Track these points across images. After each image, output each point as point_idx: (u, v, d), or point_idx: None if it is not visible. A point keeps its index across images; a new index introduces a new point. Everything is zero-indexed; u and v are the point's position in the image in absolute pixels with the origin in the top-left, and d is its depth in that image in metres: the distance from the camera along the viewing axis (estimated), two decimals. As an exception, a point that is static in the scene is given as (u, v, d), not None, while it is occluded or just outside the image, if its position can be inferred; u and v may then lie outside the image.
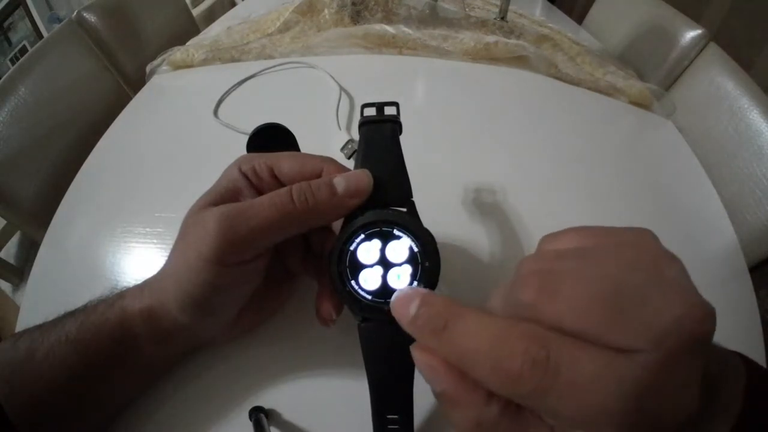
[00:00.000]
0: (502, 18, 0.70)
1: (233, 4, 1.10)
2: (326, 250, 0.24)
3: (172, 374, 0.27)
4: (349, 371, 0.28)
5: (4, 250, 1.07)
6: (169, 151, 0.47)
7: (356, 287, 0.22)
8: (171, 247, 0.24)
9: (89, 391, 0.23)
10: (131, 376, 0.25)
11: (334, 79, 0.54)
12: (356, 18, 0.67)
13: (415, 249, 0.21)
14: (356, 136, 0.40)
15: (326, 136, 0.46)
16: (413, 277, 0.21)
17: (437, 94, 0.57)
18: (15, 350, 0.22)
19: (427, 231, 0.22)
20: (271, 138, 0.32)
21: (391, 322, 0.18)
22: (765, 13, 0.84)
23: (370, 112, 0.25)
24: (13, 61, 1.55)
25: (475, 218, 0.39)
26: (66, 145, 0.59)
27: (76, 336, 0.23)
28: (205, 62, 0.61)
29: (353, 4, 0.67)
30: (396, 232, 0.21)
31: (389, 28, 0.61)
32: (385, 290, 0.21)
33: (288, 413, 0.26)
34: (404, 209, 0.22)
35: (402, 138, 0.25)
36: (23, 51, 1.57)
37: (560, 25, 0.75)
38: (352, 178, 0.22)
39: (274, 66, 0.58)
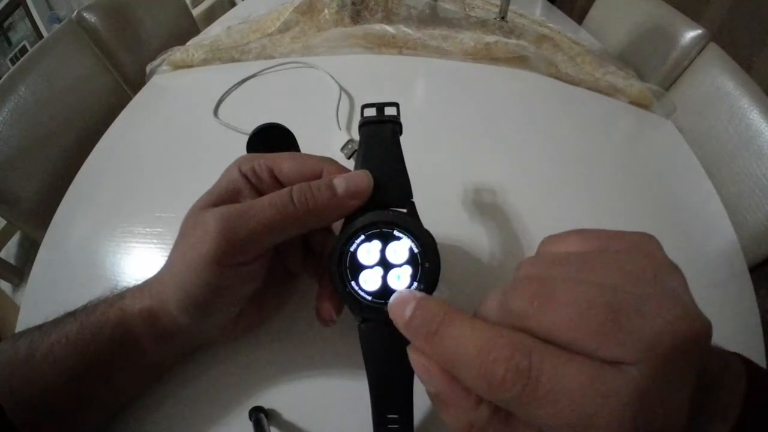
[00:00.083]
0: (502, 18, 0.70)
1: (233, 4, 1.10)
2: (326, 250, 0.24)
3: (172, 374, 0.27)
4: (349, 371, 0.28)
5: (4, 250, 1.07)
6: (169, 151, 0.47)
7: (356, 288, 0.22)
8: (171, 247, 0.24)
9: (89, 391, 0.23)
10: (131, 376, 0.25)
11: (334, 79, 0.54)
12: (356, 18, 0.67)
13: (415, 250, 0.21)
14: (356, 136, 0.40)
15: (326, 136, 0.46)
16: (413, 278, 0.21)
17: (437, 94, 0.57)
18: (15, 350, 0.22)
19: (427, 232, 0.22)
20: (271, 138, 0.32)
21: (391, 322, 0.18)
22: (765, 13, 0.83)
23: (371, 112, 0.25)
24: (13, 61, 1.55)
25: (475, 218, 0.39)
26: (66, 145, 0.59)
27: (77, 336, 0.23)
28: (205, 62, 0.61)
29: (353, 4, 0.67)
30: (396, 233, 0.21)
31: (389, 28, 0.61)
32: (385, 291, 0.21)
33: (288, 413, 0.26)
34: (404, 210, 0.22)
35: (402, 138, 0.25)
36: (23, 51, 1.57)
37: (560, 25, 0.75)
38: (352, 179, 0.22)
39: (274, 66, 0.58)
